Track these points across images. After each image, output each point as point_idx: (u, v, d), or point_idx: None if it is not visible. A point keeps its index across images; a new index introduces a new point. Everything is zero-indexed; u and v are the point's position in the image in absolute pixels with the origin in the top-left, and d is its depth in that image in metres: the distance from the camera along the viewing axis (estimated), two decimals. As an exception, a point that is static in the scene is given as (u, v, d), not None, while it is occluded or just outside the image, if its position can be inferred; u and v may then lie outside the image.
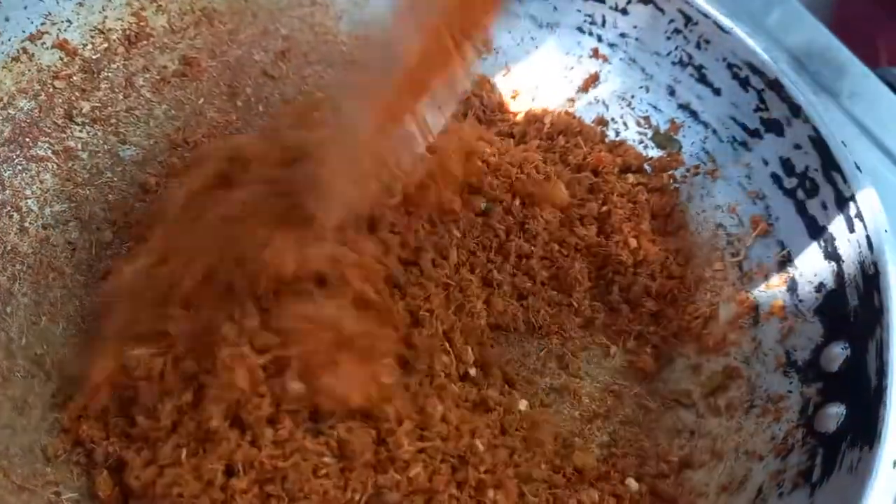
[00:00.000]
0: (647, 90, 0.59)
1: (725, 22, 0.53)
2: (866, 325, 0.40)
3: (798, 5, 0.75)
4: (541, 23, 0.62)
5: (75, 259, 0.49)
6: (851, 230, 0.44)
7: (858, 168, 0.45)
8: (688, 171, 0.56)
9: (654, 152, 0.58)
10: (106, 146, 0.54)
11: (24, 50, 0.51)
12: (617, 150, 0.57)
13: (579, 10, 0.61)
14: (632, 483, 0.43)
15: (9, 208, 0.48)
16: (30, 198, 0.50)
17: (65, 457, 0.41)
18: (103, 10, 0.55)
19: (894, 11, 0.88)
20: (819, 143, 0.48)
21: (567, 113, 0.60)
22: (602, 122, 0.60)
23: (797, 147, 0.49)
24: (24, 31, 0.51)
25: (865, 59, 0.73)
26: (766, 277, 0.49)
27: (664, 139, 0.58)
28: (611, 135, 0.59)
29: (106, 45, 0.55)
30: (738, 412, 0.45)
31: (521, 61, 0.63)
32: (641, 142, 0.58)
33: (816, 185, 0.48)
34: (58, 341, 0.46)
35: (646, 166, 0.57)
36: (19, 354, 0.44)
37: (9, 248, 0.48)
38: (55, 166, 0.51)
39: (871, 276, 0.41)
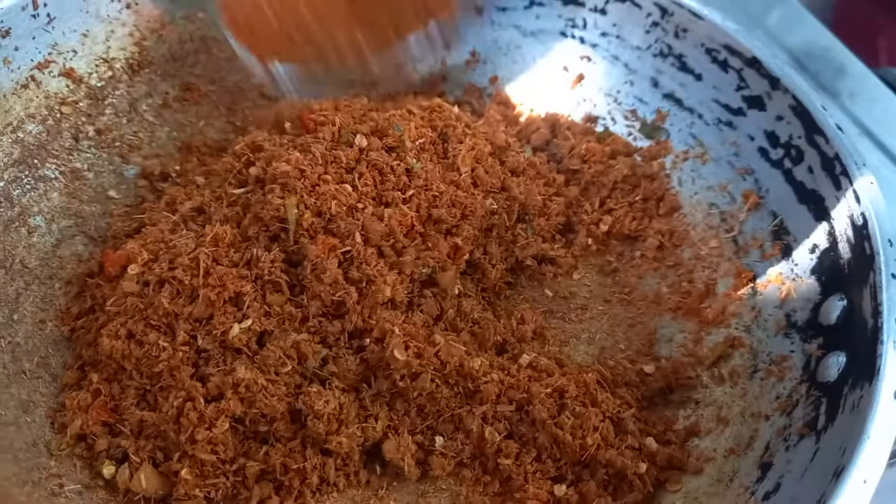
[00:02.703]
0: (632, 84, 0.60)
1: (700, 9, 0.55)
2: (860, 274, 0.40)
3: (798, 5, 0.77)
4: (525, 31, 0.64)
5: (81, 269, 0.51)
6: (838, 188, 0.44)
7: (840, 128, 0.46)
8: (677, 157, 0.57)
9: (643, 143, 0.59)
10: (111, 166, 0.56)
11: (33, 78, 0.54)
12: (605, 140, 0.58)
13: (560, 16, 0.63)
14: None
15: (17, 224, 0.50)
16: (37, 214, 0.52)
17: (68, 451, 0.42)
18: (107, 40, 0.58)
19: (894, 11, 0.89)
20: (800, 111, 0.48)
21: (556, 113, 0.62)
22: (591, 119, 0.61)
23: (780, 118, 0.50)
24: (32, 60, 0.53)
25: (865, 59, 0.74)
26: (762, 248, 0.49)
27: (651, 129, 0.59)
28: (599, 130, 0.61)
29: (110, 73, 0.58)
30: (743, 378, 0.44)
31: (508, 69, 0.65)
32: (630, 134, 0.59)
33: (801, 151, 0.48)
34: (63, 345, 0.47)
35: (636, 157, 0.58)
36: (24, 358, 0.45)
37: (17, 260, 0.49)
38: (62, 185, 0.54)
39: (860, 227, 0.41)
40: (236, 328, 0.43)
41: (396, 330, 0.44)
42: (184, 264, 0.44)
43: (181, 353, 0.43)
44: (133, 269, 0.45)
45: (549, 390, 0.42)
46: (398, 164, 0.49)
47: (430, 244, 0.48)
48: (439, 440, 0.43)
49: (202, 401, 0.41)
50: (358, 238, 0.45)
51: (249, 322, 0.43)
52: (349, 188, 0.47)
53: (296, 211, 0.46)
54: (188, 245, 0.45)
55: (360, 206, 0.47)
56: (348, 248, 0.45)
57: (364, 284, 0.45)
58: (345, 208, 0.46)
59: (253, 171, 0.49)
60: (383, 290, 0.45)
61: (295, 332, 0.44)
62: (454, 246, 0.49)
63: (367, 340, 0.45)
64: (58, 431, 0.43)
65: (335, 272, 0.45)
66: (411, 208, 0.48)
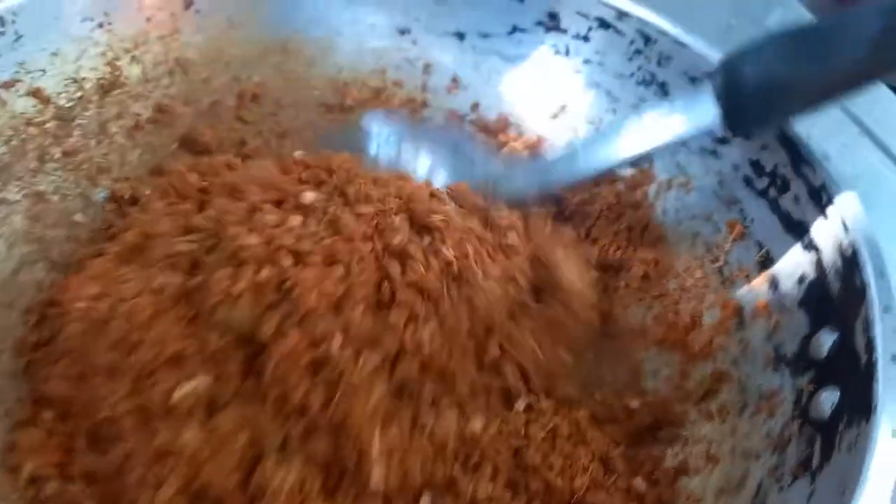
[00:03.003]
0: (615, 112, 0.59)
1: (683, 37, 0.55)
2: (851, 307, 0.39)
3: (798, 5, 0.77)
4: (507, 57, 0.64)
5: (42, 297, 0.48)
6: (826, 217, 0.44)
7: (826, 157, 0.45)
8: (661, 185, 0.56)
9: (626, 171, 0.58)
10: (78, 189, 0.54)
11: (-2, 97, 0.52)
12: (588, 168, 0.57)
13: (542, 42, 0.62)
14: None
15: (-26, 249, 0.48)
16: (-3, 239, 0.49)
17: (18, 495, 0.39)
18: (78, 59, 0.56)
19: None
20: (785, 140, 0.48)
21: (538, 141, 0.61)
22: (573, 147, 0.60)
23: (764, 147, 0.49)
24: (-3, 79, 0.51)
25: None
26: (748, 279, 0.48)
27: (635, 158, 0.58)
28: (583, 158, 0.60)
29: (80, 93, 0.56)
30: (731, 414, 0.43)
31: (489, 96, 0.64)
32: (613, 162, 0.59)
33: (787, 180, 0.47)
34: (19, 378, 0.44)
35: (619, 185, 0.57)
36: (-25, 390, 0.43)
37: (-28, 286, 0.47)
38: (25, 209, 0.51)
39: (849, 258, 0.40)
40: (179, 392, 0.37)
41: (375, 447, 0.36)
42: (123, 311, 0.39)
43: (125, 405, 0.38)
44: (79, 305, 0.42)
45: (544, 434, 0.40)
46: (434, 253, 0.38)
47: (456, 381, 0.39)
48: (426, 500, 0.38)
49: (146, 459, 0.37)
50: (336, 344, 0.36)
51: (194, 385, 0.38)
52: (341, 272, 0.37)
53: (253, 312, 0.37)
54: (132, 287, 0.41)
55: (353, 298, 0.36)
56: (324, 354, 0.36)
57: (338, 394, 0.37)
58: (326, 302, 0.36)
59: (199, 221, 0.41)
60: (362, 406, 0.36)
61: (252, 404, 0.37)
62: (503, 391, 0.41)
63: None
64: (10, 472, 0.40)
65: (301, 377, 0.36)
66: (452, 323, 0.38)
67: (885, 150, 0.68)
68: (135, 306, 0.39)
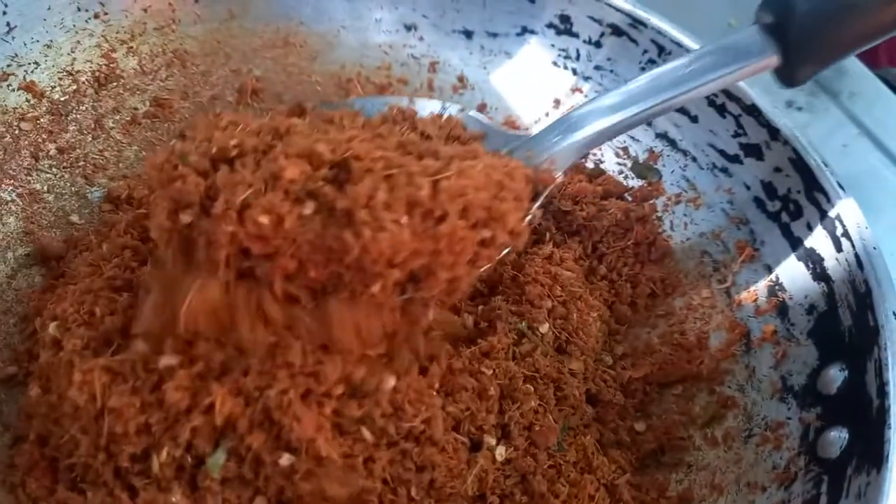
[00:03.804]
0: (625, 121, 0.58)
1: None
2: (863, 345, 0.39)
3: None
4: (516, 59, 0.62)
5: (39, 304, 0.47)
6: (839, 249, 0.43)
7: (841, 187, 0.45)
8: (669, 199, 0.55)
9: (634, 182, 0.57)
10: (73, 188, 0.52)
11: (-11, 92, 0.49)
12: (596, 179, 0.56)
13: (553, 45, 0.61)
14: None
15: (-32, 252, 0.46)
16: (-9, 242, 0.48)
17: (20, 514, 0.38)
18: (72, 51, 0.54)
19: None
20: (800, 165, 0.47)
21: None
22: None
23: (778, 170, 0.49)
24: (-12, 73, 0.49)
25: (865, 59, 0.73)
26: (756, 303, 0.48)
27: (644, 169, 0.57)
28: (590, 167, 0.59)
29: (75, 86, 0.54)
30: (737, 442, 0.43)
31: (497, 96, 0.63)
32: (621, 172, 0.58)
33: (800, 206, 0.47)
34: (18, 389, 0.43)
35: (626, 196, 0.57)
36: (-27, 403, 0.42)
37: (-34, 293, 0.45)
38: (19, 209, 0.50)
39: (863, 295, 0.40)
40: (156, 462, 0.36)
41: None
42: (76, 381, 0.36)
43: (101, 456, 0.37)
44: (51, 330, 0.40)
45: (551, 461, 0.40)
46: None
47: None
48: None
49: None
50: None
51: (164, 455, 0.36)
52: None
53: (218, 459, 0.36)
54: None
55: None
56: None
57: None
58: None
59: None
60: None
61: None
62: None
63: None
64: (9, 492, 0.39)
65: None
66: None
67: (885, 150, 0.68)
68: (86, 376, 0.36)
